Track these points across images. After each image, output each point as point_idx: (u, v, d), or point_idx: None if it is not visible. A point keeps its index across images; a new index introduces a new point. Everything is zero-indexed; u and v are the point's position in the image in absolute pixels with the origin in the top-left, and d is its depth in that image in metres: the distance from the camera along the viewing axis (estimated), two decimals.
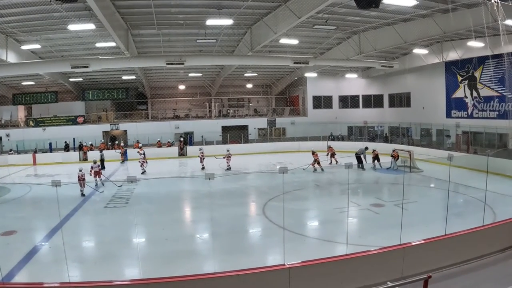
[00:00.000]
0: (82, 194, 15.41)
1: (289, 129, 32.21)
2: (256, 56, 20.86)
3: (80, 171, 15.81)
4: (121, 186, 16.40)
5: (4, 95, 29.87)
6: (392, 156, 20.46)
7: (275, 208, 12.71)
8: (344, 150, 25.76)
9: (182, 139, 28.43)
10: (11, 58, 17.83)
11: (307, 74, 30.09)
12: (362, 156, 20.99)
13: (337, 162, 21.93)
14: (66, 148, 27.07)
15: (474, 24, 15.06)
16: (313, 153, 20.33)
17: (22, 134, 27.40)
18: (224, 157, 21.47)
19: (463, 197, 14.16)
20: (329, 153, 22.17)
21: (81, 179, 15.43)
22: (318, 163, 19.98)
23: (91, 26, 15.22)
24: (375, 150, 20.87)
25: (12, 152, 26.23)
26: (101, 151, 24.16)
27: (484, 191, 9.29)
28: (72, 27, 15.25)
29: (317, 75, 30.46)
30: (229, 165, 21.26)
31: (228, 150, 21.63)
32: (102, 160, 22.59)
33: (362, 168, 20.27)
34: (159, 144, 28.18)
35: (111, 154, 25.41)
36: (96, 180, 17.24)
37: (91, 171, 17.12)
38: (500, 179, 15.65)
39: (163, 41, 20.73)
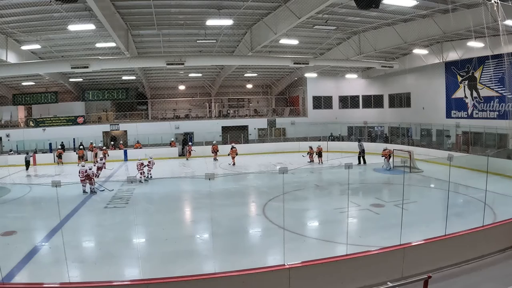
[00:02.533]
0: (92, 191, 15.77)
1: (289, 130, 32.21)
2: (256, 57, 20.86)
3: (90, 169, 16.24)
4: (112, 190, 16.33)
5: (4, 95, 29.87)
6: (383, 155, 20.64)
7: (275, 208, 12.71)
8: (344, 151, 25.90)
9: (190, 143, 28.10)
10: (11, 58, 17.83)
11: (307, 75, 30.09)
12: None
13: (312, 161, 23.50)
14: (62, 147, 27.01)
15: (474, 24, 15.05)
16: (232, 148, 24.22)
17: (22, 135, 27.37)
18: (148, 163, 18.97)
19: (463, 197, 14.16)
20: (309, 153, 23.50)
21: (92, 177, 15.89)
22: (233, 158, 23.63)
23: (91, 26, 15.22)
24: (386, 149, 20.94)
25: (12, 152, 26.22)
26: (27, 153, 24.28)
27: (484, 191, 9.29)
28: (72, 27, 15.25)
29: (317, 75, 30.45)
30: (149, 174, 18.80)
31: (151, 157, 19.36)
32: (27, 162, 23.36)
33: (364, 163, 21.72)
34: (173, 144, 28.45)
35: (112, 155, 25.46)
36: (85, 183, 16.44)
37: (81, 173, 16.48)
38: (500, 179, 15.65)
39: (163, 41, 20.73)
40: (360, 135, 31.10)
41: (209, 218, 11.00)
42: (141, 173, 18.22)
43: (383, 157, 20.62)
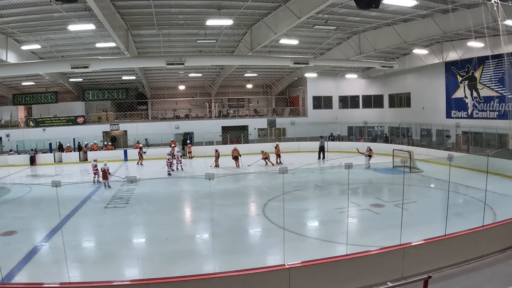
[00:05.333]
0: (108, 186, 17.08)
1: (289, 129, 32.19)
2: (256, 57, 20.85)
3: (105, 164, 17.22)
4: (125, 177, 16.61)
5: (4, 95, 29.86)
6: (364, 154, 20.94)
7: (275, 208, 12.72)
8: (344, 151, 25.94)
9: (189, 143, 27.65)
10: (11, 58, 17.83)
11: (307, 74, 30.08)
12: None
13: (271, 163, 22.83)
14: (60, 148, 27.20)
15: (474, 24, 15.05)
16: (174, 146, 24.84)
17: (22, 135, 27.38)
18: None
19: (463, 197, 14.16)
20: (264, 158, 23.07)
21: (107, 172, 17.08)
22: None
23: (91, 26, 15.22)
24: (370, 150, 21.23)
25: (12, 152, 26.24)
26: (31, 150, 26.10)
27: (484, 191, 9.28)
28: (72, 27, 15.25)
29: (317, 75, 30.45)
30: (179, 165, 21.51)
31: (178, 151, 21.94)
32: (31, 158, 24.71)
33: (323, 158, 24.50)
34: (173, 144, 28.35)
35: (111, 155, 25.47)
36: (96, 178, 17.98)
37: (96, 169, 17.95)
38: (500, 179, 15.65)
39: (163, 41, 20.73)
40: (360, 135, 31.14)
41: (209, 218, 10.98)
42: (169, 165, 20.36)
43: (366, 156, 20.85)
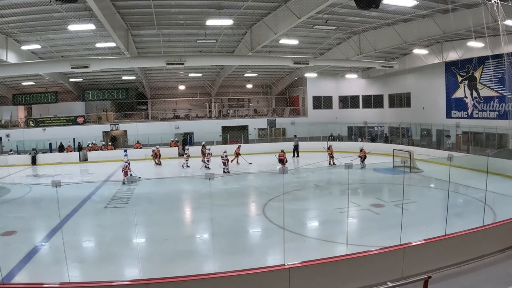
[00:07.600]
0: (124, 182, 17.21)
1: (289, 130, 32.19)
2: (256, 56, 20.85)
3: (126, 155, 18.14)
4: (140, 177, 16.73)
5: (4, 95, 29.86)
6: (360, 156, 20.79)
7: (275, 208, 12.72)
8: (344, 151, 25.93)
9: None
10: (11, 58, 17.82)
11: (307, 74, 30.09)
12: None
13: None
14: (61, 148, 27.27)
15: (474, 24, 15.05)
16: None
17: (22, 135, 27.37)
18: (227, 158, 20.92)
19: (463, 197, 14.16)
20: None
21: (127, 169, 17.40)
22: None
23: (91, 26, 15.22)
24: (362, 150, 21.17)
25: (12, 152, 26.25)
26: (33, 149, 25.96)
27: (484, 191, 9.29)
28: (72, 27, 15.25)
29: (317, 75, 30.46)
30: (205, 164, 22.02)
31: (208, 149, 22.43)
32: (33, 158, 24.85)
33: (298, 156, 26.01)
34: (173, 144, 28.33)
35: (111, 155, 25.47)
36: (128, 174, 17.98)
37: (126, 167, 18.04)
38: (500, 179, 15.65)
39: (163, 41, 20.72)
40: (360, 135, 31.16)
41: (209, 218, 10.96)
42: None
43: (359, 157, 20.72)
